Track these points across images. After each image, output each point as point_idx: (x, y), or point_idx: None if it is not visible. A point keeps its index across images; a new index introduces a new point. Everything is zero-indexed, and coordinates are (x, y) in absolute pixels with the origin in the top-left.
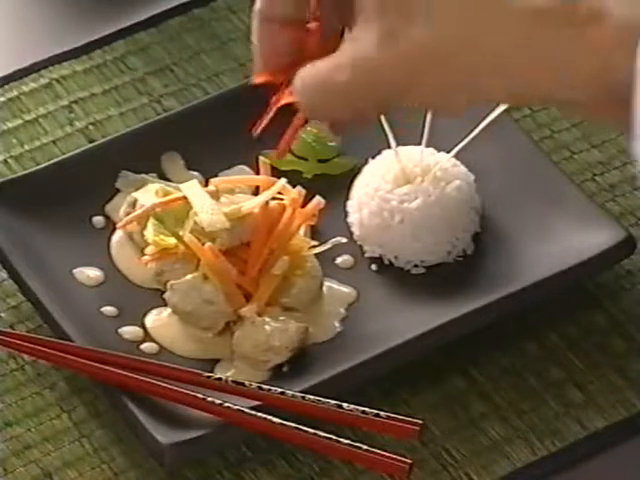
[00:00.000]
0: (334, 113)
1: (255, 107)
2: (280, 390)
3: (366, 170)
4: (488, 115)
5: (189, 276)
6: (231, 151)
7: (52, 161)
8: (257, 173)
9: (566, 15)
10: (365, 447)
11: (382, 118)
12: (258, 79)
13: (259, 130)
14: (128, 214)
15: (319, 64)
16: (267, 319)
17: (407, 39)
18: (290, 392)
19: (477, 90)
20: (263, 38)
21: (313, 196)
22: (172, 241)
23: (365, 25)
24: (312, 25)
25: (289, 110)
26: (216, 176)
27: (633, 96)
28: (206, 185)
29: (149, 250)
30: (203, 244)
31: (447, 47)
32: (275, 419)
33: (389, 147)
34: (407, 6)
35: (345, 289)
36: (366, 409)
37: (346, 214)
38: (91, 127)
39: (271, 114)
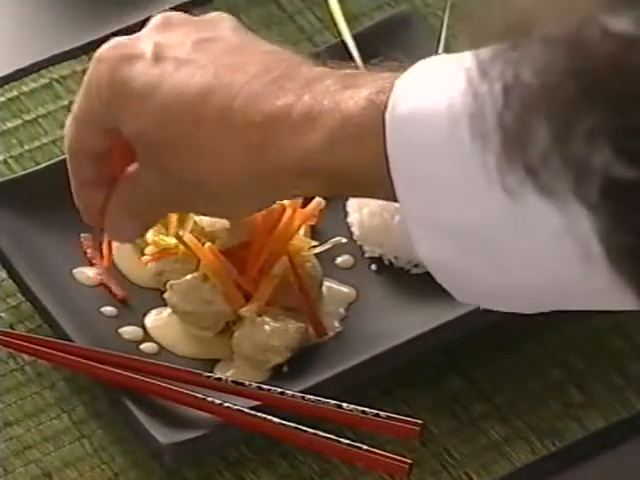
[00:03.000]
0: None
1: None
2: (280, 390)
3: None
4: None
5: (189, 276)
6: None
7: (52, 161)
8: None
9: (284, 123)
10: (365, 447)
11: None
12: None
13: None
14: None
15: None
16: (267, 319)
17: (170, 172)
18: (290, 392)
19: (243, 205)
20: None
21: (313, 196)
22: (172, 241)
23: (142, 167)
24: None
25: None
26: None
27: (400, 204)
28: None
29: (149, 250)
30: (203, 244)
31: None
32: (275, 419)
33: None
34: (164, 147)
35: (345, 289)
36: (366, 409)
37: (346, 214)
38: None
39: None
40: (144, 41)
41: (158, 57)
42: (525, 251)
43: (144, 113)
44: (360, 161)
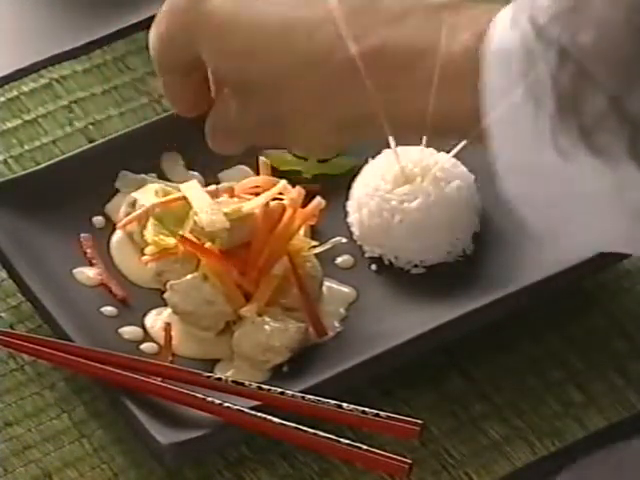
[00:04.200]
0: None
1: None
2: (280, 390)
3: (366, 170)
4: None
5: (189, 276)
6: None
7: (52, 161)
8: (257, 173)
9: (371, 66)
10: (365, 447)
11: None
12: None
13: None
14: (128, 214)
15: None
16: (267, 319)
17: (253, 108)
18: (290, 392)
19: (324, 144)
20: (170, 88)
21: (313, 196)
22: (172, 241)
23: (229, 97)
24: None
25: None
26: (216, 176)
27: (489, 140)
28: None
29: (149, 250)
30: (203, 244)
31: (283, 113)
32: (275, 419)
33: (389, 147)
34: (246, 85)
35: (345, 289)
36: (366, 409)
37: (346, 214)
38: (91, 127)
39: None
40: None
41: None
42: (579, 204)
43: (224, 52)
44: (459, 106)
